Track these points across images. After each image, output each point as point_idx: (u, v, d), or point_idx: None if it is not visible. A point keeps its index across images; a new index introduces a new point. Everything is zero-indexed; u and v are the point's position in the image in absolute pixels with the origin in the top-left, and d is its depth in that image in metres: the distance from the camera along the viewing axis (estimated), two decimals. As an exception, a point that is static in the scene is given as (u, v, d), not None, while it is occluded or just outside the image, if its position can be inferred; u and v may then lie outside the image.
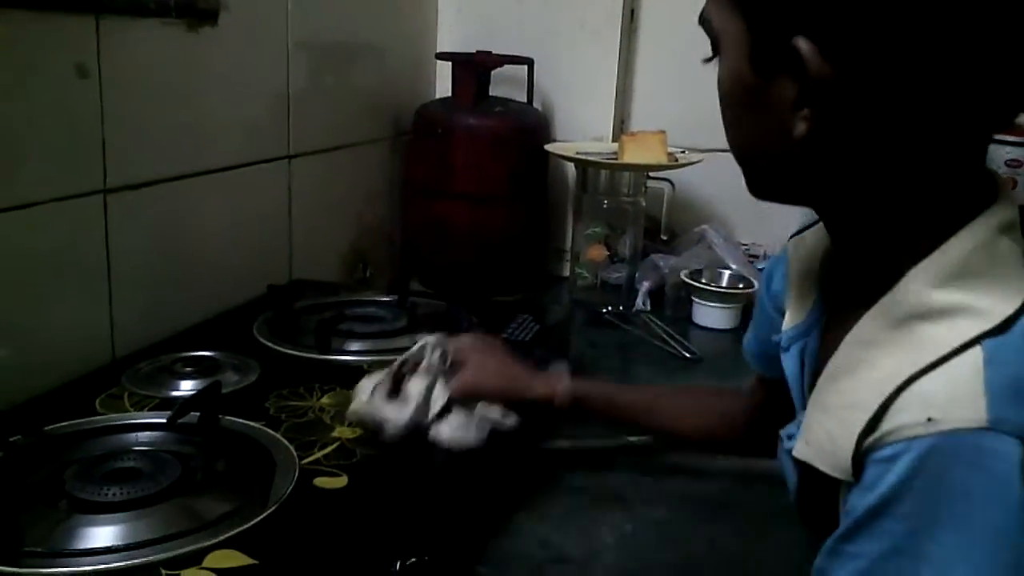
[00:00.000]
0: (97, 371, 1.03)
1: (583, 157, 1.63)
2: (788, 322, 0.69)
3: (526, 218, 1.72)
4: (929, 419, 0.48)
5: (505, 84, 1.74)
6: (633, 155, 1.58)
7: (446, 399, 0.89)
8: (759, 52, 0.55)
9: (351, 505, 0.77)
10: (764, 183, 0.62)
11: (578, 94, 1.79)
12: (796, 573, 0.84)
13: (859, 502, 0.51)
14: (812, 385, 0.63)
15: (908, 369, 0.50)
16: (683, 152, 1.65)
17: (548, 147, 1.69)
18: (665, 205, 1.73)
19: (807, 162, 0.56)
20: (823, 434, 0.56)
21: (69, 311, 1.03)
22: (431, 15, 1.85)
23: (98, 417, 0.90)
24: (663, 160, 1.58)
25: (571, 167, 1.74)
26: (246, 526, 0.72)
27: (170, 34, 1.12)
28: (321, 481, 0.80)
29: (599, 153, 1.66)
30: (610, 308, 1.60)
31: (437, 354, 0.93)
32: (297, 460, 0.83)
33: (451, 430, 0.88)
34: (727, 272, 1.63)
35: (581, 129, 1.80)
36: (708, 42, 0.61)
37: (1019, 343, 0.50)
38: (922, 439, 0.48)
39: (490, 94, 1.70)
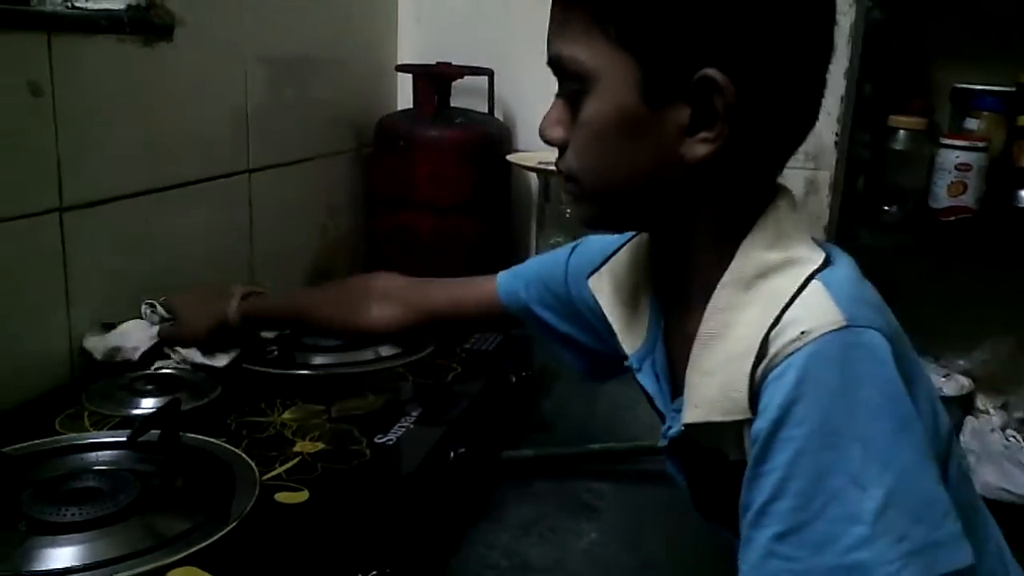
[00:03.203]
0: (56, 390, 1.03)
1: (545, 167, 1.64)
2: (628, 347, 0.75)
3: (489, 228, 1.73)
4: (802, 332, 0.57)
5: (466, 95, 1.75)
6: (594, 164, 1.59)
7: (153, 340, 1.10)
8: (652, 85, 0.61)
9: (312, 520, 0.77)
10: (622, 212, 0.68)
11: (539, 104, 1.75)
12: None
13: (761, 424, 0.57)
14: (672, 389, 0.72)
15: (772, 311, 0.59)
16: (643, 160, 1.66)
17: (510, 157, 1.70)
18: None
19: (686, 183, 0.64)
20: (713, 390, 0.62)
21: (27, 330, 1.02)
22: (390, 26, 1.85)
23: (57, 437, 0.90)
24: (623, 168, 1.59)
25: (534, 177, 1.75)
26: (206, 543, 0.72)
27: (125, 50, 1.12)
28: (282, 496, 0.80)
29: (560, 163, 1.66)
30: (574, 316, 1.61)
31: (149, 309, 1.13)
32: (258, 475, 0.83)
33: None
34: (689, 278, 1.64)
35: (542, 139, 1.80)
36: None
37: (840, 274, 0.61)
38: (800, 350, 0.56)
39: (451, 105, 1.71)
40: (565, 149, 0.66)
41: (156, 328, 1.11)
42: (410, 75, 1.71)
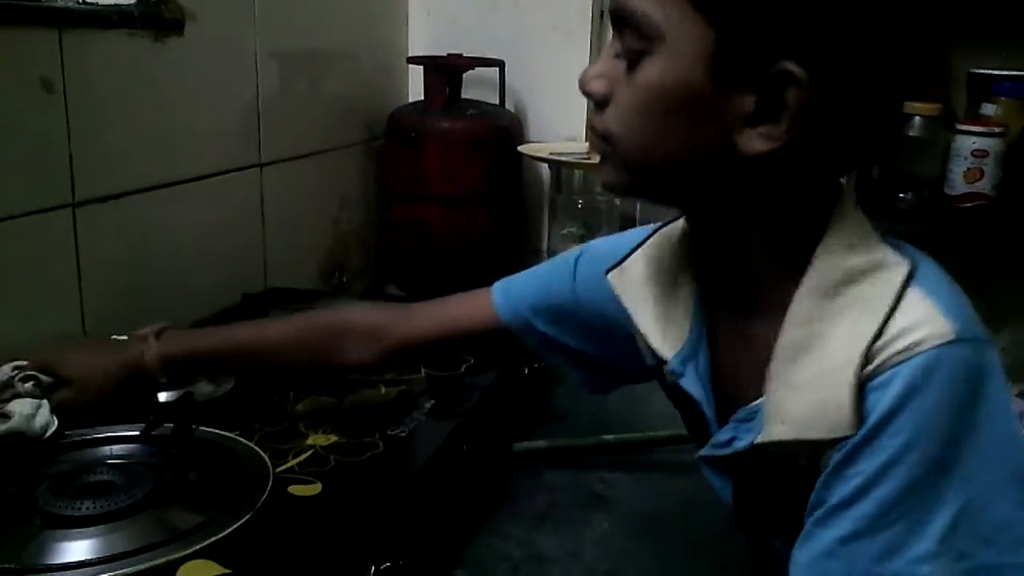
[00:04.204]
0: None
1: (557, 157, 1.63)
2: (665, 351, 0.70)
3: (502, 219, 1.73)
4: (911, 343, 0.55)
5: (477, 86, 1.75)
6: (606, 154, 1.59)
7: (51, 418, 0.86)
8: (725, 63, 0.56)
9: (325, 512, 0.77)
10: (657, 187, 0.63)
11: (550, 95, 1.80)
12: (773, 570, 0.85)
13: (856, 432, 0.56)
14: (717, 395, 0.68)
15: (871, 321, 0.56)
16: (655, 150, 1.66)
17: (522, 148, 1.69)
18: (639, 203, 1.73)
19: (735, 175, 0.59)
20: (805, 406, 0.59)
21: (40, 325, 1.02)
22: (401, 19, 1.85)
23: (71, 431, 0.90)
24: (635, 158, 1.59)
25: (545, 168, 1.74)
26: (220, 536, 0.72)
27: (136, 45, 1.12)
28: (295, 489, 0.80)
29: (572, 153, 1.66)
30: (587, 307, 1.60)
31: (26, 384, 0.87)
32: (271, 468, 0.83)
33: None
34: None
35: (554, 129, 1.80)
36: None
37: (935, 280, 0.59)
38: (909, 361, 0.55)
39: (462, 96, 1.71)
40: (605, 106, 0.61)
41: (43, 404, 0.86)
42: (421, 67, 1.71)
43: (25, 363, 0.89)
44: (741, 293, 0.65)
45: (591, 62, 1.74)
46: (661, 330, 0.70)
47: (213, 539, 0.71)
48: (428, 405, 0.99)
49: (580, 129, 1.79)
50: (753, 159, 0.57)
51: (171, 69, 1.18)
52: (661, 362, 0.71)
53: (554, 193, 1.67)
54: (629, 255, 0.74)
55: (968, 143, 1.69)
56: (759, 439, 0.62)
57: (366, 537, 0.75)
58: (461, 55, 1.71)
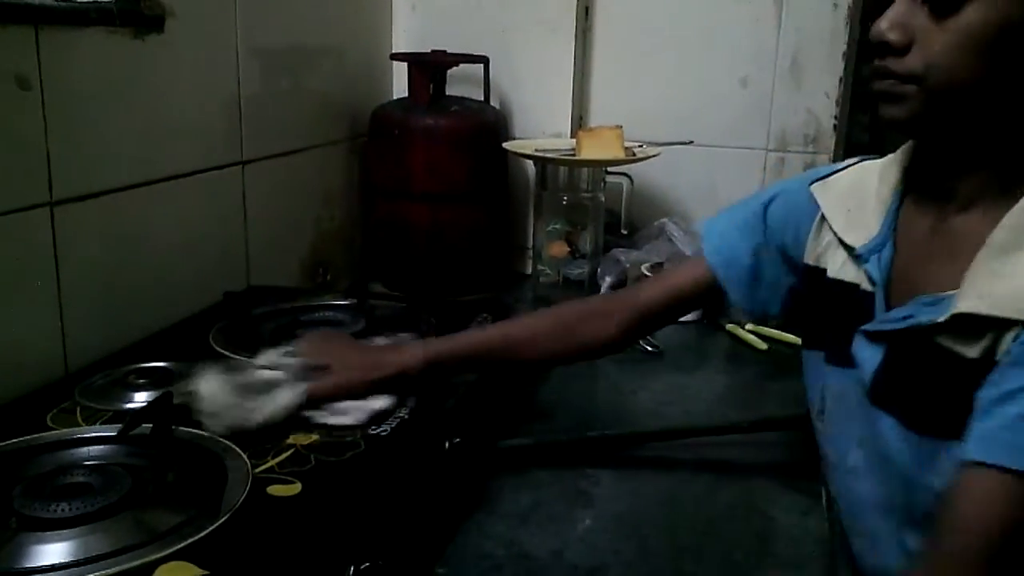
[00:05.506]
0: (50, 386, 1.02)
1: (542, 154, 1.63)
2: (856, 241, 0.81)
3: (487, 217, 1.72)
4: None
5: (461, 83, 1.74)
6: (590, 151, 1.58)
7: (302, 399, 0.94)
8: None
9: (305, 512, 0.77)
10: (955, 113, 0.70)
11: (535, 91, 1.79)
12: (755, 567, 0.85)
13: None
14: (888, 283, 0.77)
15: None
16: (640, 146, 1.65)
17: (506, 145, 1.69)
18: (624, 199, 1.73)
19: None
20: (1006, 288, 0.66)
21: (19, 327, 1.01)
22: (385, 15, 1.84)
23: (48, 433, 0.89)
24: (620, 155, 1.59)
25: (530, 164, 1.74)
26: (197, 537, 0.71)
27: (115, 42, 1.11)
28: (274, 489, 0.80)
29: (557, 150, 1.66)
30: (573, 304, 1.60)
31: (290, 361, 0.97)
32: (250, 468, 0.82)
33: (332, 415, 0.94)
34: (688, 264, 1.63)
35: (539, 126, 1.80)
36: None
37: None
38: None
39: (447, 93, 1.70)
40: (903, 51, 0.69)
41: (292, 386, 0.95)
42: (405, 64, 1.70)
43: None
44: (956, 199, 0.73)
45: (576, 58, 1.76)
46: (849, 227, 0.82)
47: (191, 540, 0.71)
48: (411, 403, 0.99)
49: (565, 125, 1.79)
50: None
51: (151, 67, 1.17)
52: (818, 271, 0.85)
53: (539, 190, 1.66)
54: (833, 174, 0.87)
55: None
56: (957, 309, 0.68)
57: (346, 537, 0.74)
58: (445, 51, 1.70)
